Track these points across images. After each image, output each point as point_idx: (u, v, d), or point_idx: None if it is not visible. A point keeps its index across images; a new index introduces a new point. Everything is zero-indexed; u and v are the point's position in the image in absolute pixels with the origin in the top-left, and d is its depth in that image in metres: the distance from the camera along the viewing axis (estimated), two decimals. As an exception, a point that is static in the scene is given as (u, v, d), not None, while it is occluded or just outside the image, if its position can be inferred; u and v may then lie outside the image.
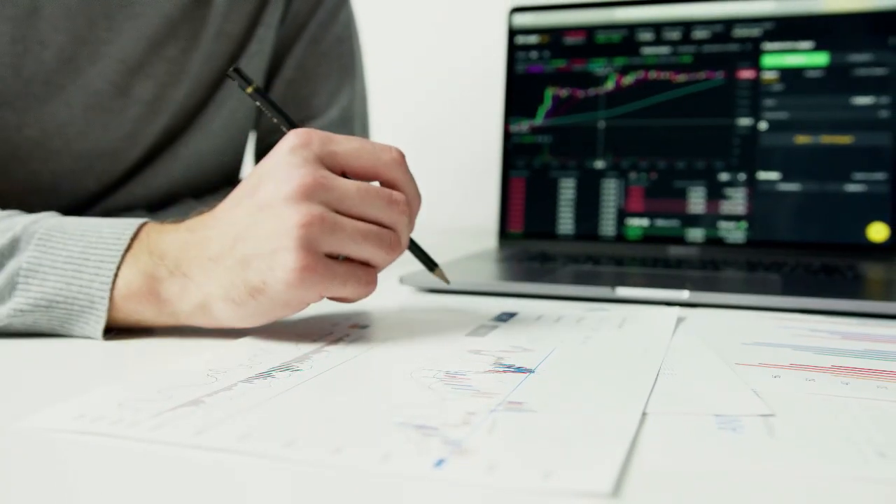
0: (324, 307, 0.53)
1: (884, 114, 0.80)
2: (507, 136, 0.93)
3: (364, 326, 0.47)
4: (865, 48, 0.81)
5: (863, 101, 0.81)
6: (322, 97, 0.75)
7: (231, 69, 0.46)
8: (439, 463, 0.25)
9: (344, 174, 0.43)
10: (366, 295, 0.43)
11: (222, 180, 0.75)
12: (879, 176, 0.80)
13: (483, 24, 1.19)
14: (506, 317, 0.50)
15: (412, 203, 0.45)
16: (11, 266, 0.42)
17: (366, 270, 0.43)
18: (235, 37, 0.69)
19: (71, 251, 0.42)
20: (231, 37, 0.68)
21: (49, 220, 0.44)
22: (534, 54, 0.92)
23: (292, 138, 0.42)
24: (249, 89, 0.46)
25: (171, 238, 0.42)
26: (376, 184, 0.44)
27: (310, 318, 0.49)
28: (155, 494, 0.24)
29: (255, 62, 0.70)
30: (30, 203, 0.63)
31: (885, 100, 0.80)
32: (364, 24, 0.88)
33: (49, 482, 0.25)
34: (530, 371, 0.37)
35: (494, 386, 0.34)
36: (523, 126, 0.92)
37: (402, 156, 0.44)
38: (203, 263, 0.41)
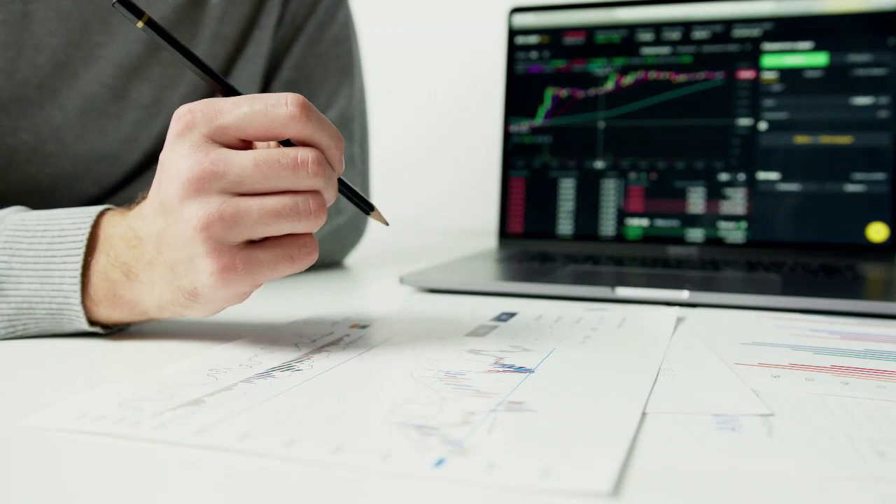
0: (324, 307, 0.53)
1: (883, 114, 0.80)
2: (507, 136, 0.93)
3: (364, 326, 0.47)
4: (865, 48, 0.81)
5: (862, 101, 0.81)
6: (320, 98, 0.75)
7: (114, 2, 0.40)
8: (439, 462, 0.25)
9: (242, 144, 0.39)
10: (310, 261, 0.40)
11: None
12: (879, 176, 0.80)
13: (483, 24, 1.19)
14: (506, 317, 0.51)
15: (328, 151, 0.39)
16: None
17: (295, 242, 0.39)
18: (232, 39, 0.69)
19: (37, 250, 0.42)
20: (227, 39, 0.68)
21: (12, 218, 0.44)
22: (534, 54, 0.92)
23: (175, 121, 0.38)
24: (140, 23, 0.41)
25: (120, 234, 0.42)
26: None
27: (310, 319, 0.49)
28: (156, 494, 0.24)
29: (252, 64, 0.70)
30: (29, 207, 0.63)
31: (884, 100, 0.80)
32: (364, 25, 0.88)
33: (50, 482, 0.25)
34: (530, 371, 0.37)
35: (494, 386, 0.34)
36: (523, 126, 0.92)
37: (300, 105, 0.38)
38: (144, 268, 0.41)
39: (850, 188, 0.81)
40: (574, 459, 0.25)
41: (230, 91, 0.41)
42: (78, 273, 0.41)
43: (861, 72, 0.81)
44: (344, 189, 0.43)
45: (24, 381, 0.36)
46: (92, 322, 0.43)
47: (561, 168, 0.90)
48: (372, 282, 0.73)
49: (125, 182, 0.68)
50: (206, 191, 0.37)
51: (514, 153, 0.92)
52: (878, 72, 0.81)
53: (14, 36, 0.57)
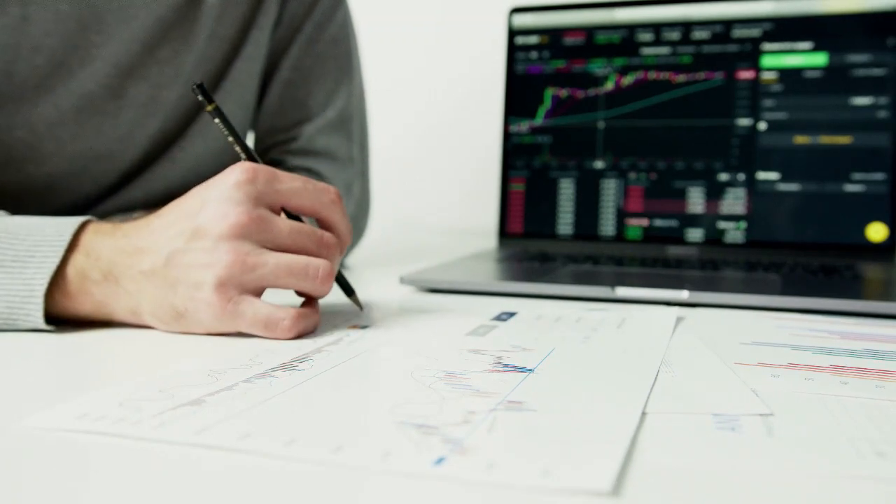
0: (323, 307, 0.53)
1: (882, 114, 0.80)
2: (507, 136, 0.93)
3: (364, 326, 0.47)
4: (864, 48, 0.81)
5: (862, 101, 0.81)
6: (319, 98, 0.75)
7: (194, 85, 0.47)
8: (439, 461, 0.25)
9: (284, 210, 0.45)
10: (283, 337, 0.43)
11: None
12: (878, 176, 0.80)
13: (483, 24, 1.19)
14: (506, 317, 0.51)
15: (343, 241, 0.48)
16: None
17: (279, 318, 0.43)
18: (229, 39, 0.69)
19: (17, 250, 0.44)
20: (225, 39, 0.68)
21: None
22: (534, 55, 0.92)
23: (239, 172, 0.43)
24: (210, 108, 0.47)
25: (108, 242, 0.44)
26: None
27: (310, 318, 0.49)
28: (156, 493, 0.24)
29: (250, 65, 0.70)
30: (26, 206, 0.63)
31: (883, 100, 0.80)
32: (364, 25, 0.88)
33: (51, 481, 0.25)
34: (530, 370, 0.37)
35: (494, 385, 0.34)
36: (523, 126, 0.92)
37: (339, 196, 0.47)
38: (134, 276, 0.43)
39: (850, 188, 0.81)
40: (574, 459, 0.26)
41: (252, 157, 0.48)
42: (51, 271, 0.43)
43: (861, 72, 0.81)
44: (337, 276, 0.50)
45: (24, 382, 0.36)
46: (49, 318, 0.44)
47: (561, 168, 0.90)
48: (372, 282, 0.73)
49: (123, 182, 0.68)
50: (245, 237, 0.42)
51: (514, 153, 0.92)
52: (877, 72, 0.81)
53: (13, 38, 0.57)
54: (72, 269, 0.44)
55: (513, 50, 0.93)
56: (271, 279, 0.43)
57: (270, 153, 0.74)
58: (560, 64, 0.91)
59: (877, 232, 0.80)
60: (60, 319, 0.45)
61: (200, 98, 0.47)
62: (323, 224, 0.47)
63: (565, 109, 0.91)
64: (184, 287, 0.42)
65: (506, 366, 0.38)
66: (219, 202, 0.43)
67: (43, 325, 0.44)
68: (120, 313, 0.45)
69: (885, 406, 0.32)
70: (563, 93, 0.91)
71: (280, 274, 0.43)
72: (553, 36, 0.92)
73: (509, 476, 0.24)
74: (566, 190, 0.90)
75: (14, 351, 0.41)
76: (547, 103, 0.92)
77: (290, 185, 0.45)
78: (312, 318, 0.45)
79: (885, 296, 0.57)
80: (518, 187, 0.92)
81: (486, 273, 0.68)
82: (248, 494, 0.24)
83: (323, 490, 0.24)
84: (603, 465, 0.25)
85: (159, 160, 0.68)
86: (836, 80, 0.82)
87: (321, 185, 0.46)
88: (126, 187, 0.68)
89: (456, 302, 0.57)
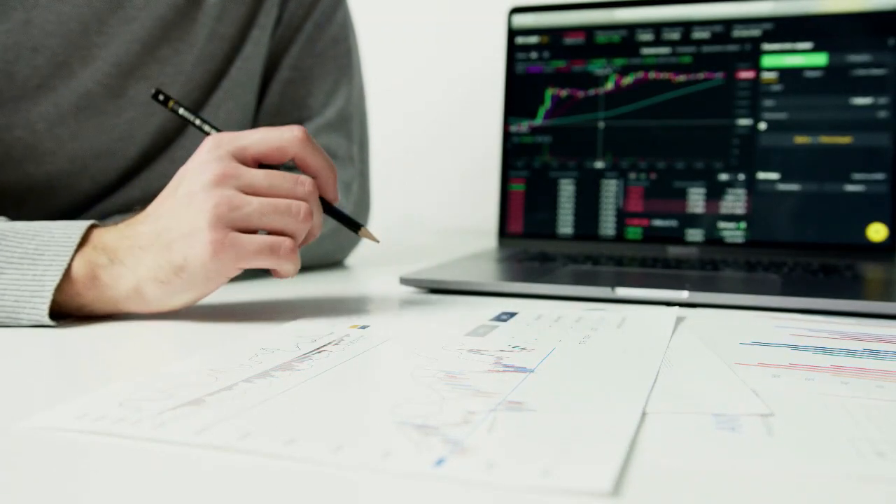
0: (323, 307, 0.53)
1: (883, 114, 0.80)
2: (507, 136, 0.93)
3: (364, 326, 0.47)
4: (864, 48, 0.81)
5: (862, 101, 0.81)
6: (319, 97, 0.75)
7: (153, 91, 0.52)
8: (439, 462, 0.25)
9: (258, 166, 0.48)
10: (287, 266, 0.47)
11: None
12: (878, 176, 0.80)
13: (483, 24, 1.19)
14: (506, 317, 0.51)
15: (322, 174, 0.50)
16: None
17: (278, 241, 0.47)
18: (229, 38, 0.69)
19: (25, 248, 0.46)
20: (225, 38, 0.68)
21: (1, 225, 0.47)
22: (534, 55, 0.92)
23: (208, 141, 0.47)
24: (170, 104, 0.52)
25: (113, 233, 0.47)
26: None
27: (310, 319, 0.49)
28: (156, 493, 0.24)
29: (250, 64, 0.71)
30: (27, 205, 0.63)
31: (883, 100, 0.80)
32: (364, 25, 0.88)
33: (51, 481, 0.25)
34: (530, 370, 0.37)
35: (494, 385, 0.34)
36: (523, 126, 0.92)
37: (305, 132, 0.49)
38: (135, 252, 0.46)
39: (850, 188, 0.81)
40: (574, 459, 0.26)
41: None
42: (63, 267, 0.45)
43: (861, 72, 0.81)
44: (333, 211, 0.52)
45: (25, 382, 0.36)
46: (51, 314, 0.45)
47: (561, 168, 0.90)
48: (372, 282, 0.73)
49: (123, 181, 0.68)
50: (224, 185, 0.46)
51: (514, 153, 0.92)
52: (877, 72, 0.81)
53: (14, 39, 0.57)
54: (79, 263, 0.46)
55: (513, 50, 0.93)
56: (257, 217, 0.46)
57: None
58: (560, 64, 0.91)
59: (877, 232, 0.80)
60: (62, 315, 0.46)
61: (161, 99, 0.51)
62: (299, 164, 0.49)
63: (565, 109, 0.91)
64: (178, 242, 0.45)
65: (506, 366, 0.38)
66: (194, 170, 0.46)
67: (46, 320, 0.45)
68: (123, 295, 0.46)
69: (885, 406, 0.32)
70: (563, 93, 0.91)
71: (265, 211, 0.46)
72: (553, 36, 0.92)
73: (509, 476, 0.24)
74: (566, 190, 0.90)
75: (14, 351, 0.41)
76: (547, 103, 0.92)
77: (253, 136, 0.48)
78: (296, 249, 0.48)
79: (885, 296, 0.57)
80: (518, 187, 0.92)
81: (486, 273, 0.68)
82: (248, 494, 0.24)
83: (323, 490, 0.24)
84: (603, 466, 0.25)
85: (158, 159, 0.68)
86: (836, 80, 0.82)
87: (283, 127, 0.48)
88: (125, 186, 0.68)
89: (456, 302, 0.57)
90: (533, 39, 0.93)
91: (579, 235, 0.89)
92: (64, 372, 0.38)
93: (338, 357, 0.39)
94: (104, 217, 0.66)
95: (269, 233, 0.47)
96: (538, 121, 0.92)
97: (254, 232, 0.46)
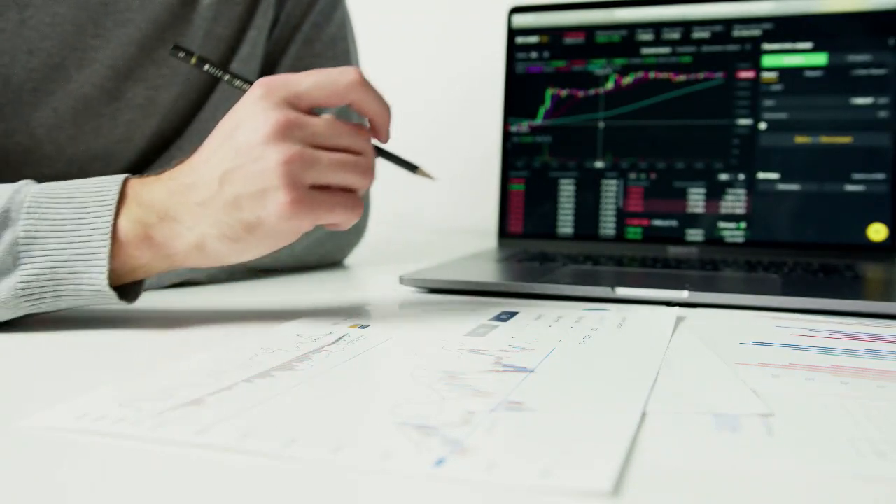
0: (323, 307, 0.53)
1: (883, 114, 0.80)
2: (507, 136, 0.93)
3: (364, 326, 0.47)
4: (864, 48, 0.81)
5: (862, 101, 0.81)
6: None
7: (172, 48, 0.49)
8: (439, 462, 0.25)
9: (311, 110, 0.46)
10: (355, 219, 0.47)
11: None
12: (879, 176, 0.80)
13: (483, 24, 1.19)
14: (506, 317, 0.51)
15: (379, 118, 0.48)
16: (7, 237, 0.43)
17: (348, 195, 0.46)
18: (226, 39, 0.69)
19: (64, 214, 0.44)
20: (221, 39, 0.68)
21: (30, 188, 0.45)
22: (534, 54, 0.92)
23: (258, 88, 0.44)
24: (193, 60, 0.50)
25: (156, 188, 0.45)
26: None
27: (310, 319, 0.49)
28: (156, 493, 0.24)
29: (247, 65, 0.70)
30: None
31: (884, 100, 0.80)
32: (363, 25, 0.88)
33: (51, 481, 0.25)
34: (530, 370, 0.37)
35: (494, 385, 0.34)
36: (523, 126, 0.92)
37: (360, 75, 0.46)
38: (191, 208, 0.44)
39: (850, 188, 0.81)
40: (574, 459, 0.26)
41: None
42: (108, 230, 0.43)
43: (861, 72, 0.81)
44: (387, 154, 0.52)
45: (24, 381, 0.36)
46: (110, 282, 0.43)
47: (561, 168, 0.90)
48: (372, 282, 0.73)
49: None
50: (289, 138, 0.43)
51: (514, 153, 0.92)
52: (878, 72, 0.81)
53: (9, 42, 0.57)
54: (125, 221, 0.44)
55: (513, 50, 0.93)
56: (329, 174, 0.44)
57: None
58: (560, 64, 0.91)
59: (877, 232, 0.80)
60: (118, 288, 0.45)
61: (182, 56, 0.49)
62: (357, 108, 0.47)
63: (565, 109, 0.91)
64: (248, 200, 0.43)
65: (506, 366, 0.38)
66: (251, 116, 0.43)
67: (106, 289, 0.43)
68: (182, 252, 0.44)
69: (885, 406, 0.32)
70: (563, 93, 0.91)
71: (335, 167, 0.44)
72: (553, 36, 0.92)
73: (509, 476, 0.24)
74: (566, 190, 0.90)
75: (14, 351, 0.41)
76: (547, 103, 0.91)
77: (308, 81, 0.45)
78: (361, 202, 0.47)
79: (885, 296, 0.57)
80: (518, 187, 0.92)
81: (486, 273, 0.68)
82: (248, 494, 0.24)
83: (323, 490, 0.24)
84: (603, 466, 0.25)
85: (156, 161, 0.68)
86: (836, 80, 0.82)
87: (337, 70, 0.46)
88: None
89: (456, 302, 0.57)
90: (533, 39, 0.93)
91: (579, 235, 0.89)
92: (64, 372, 0.38)
93: (338, 357, 0.39)
94: None
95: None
96: (538, 121, 0.92)
97: (319, 188, 0.45)
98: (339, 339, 0.44)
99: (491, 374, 0.36)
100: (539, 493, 0.23)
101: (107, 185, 0.45)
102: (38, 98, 0.60)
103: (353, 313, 0.51)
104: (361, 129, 0.47)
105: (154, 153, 0.68)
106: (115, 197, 0.44)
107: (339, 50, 0.76)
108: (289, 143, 0.43)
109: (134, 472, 0.25)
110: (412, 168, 0.53)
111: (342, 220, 0.46)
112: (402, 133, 1.32)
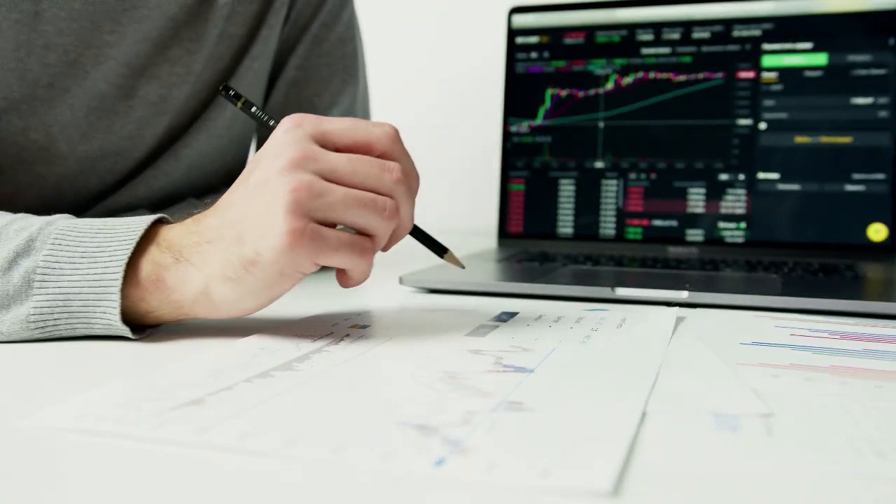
0: (324, 307, 0.53)
1: (883, 114, 0.80)
2: (507, 136, 0.93)
3: (364, 326, 0.47)
4: (865, 48, 0.81)
5: (862, 101, 0.81)
6: (324, 98, 0.75)
7: (221, 88, 0.48)
8: (439, 462, 0.25)
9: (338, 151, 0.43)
10: (363, 268, 0.43)
11: (224, 180, 0.75)
12: (879, 176, 0.80)
13: (483, 24, 1.19)
14: (506, 317, 0.51)
15: (409, 176, 0.44)
16: (27, 265, 0.42)
17: (361, 240, 0.42)
18: (239, 38, 0.69)
19: (86, 247, 0.42)
20: (235, 38, 0.68)
21: (63, 222, 0.44)
22: (534, 55, 0.92)
23: (285, 122, 0.43)
24: (240, 104, 0.48)
25: (177, 228, 0.43)
26: None
27: (310, 318, 0.49)
28: (156, 493, 0.24)
29: (258, 63, 0.70)
30: (34, 204, 0.63)
31: (884, 100, 0.80)
32: (364, 25, 0.88)
33: (51, 481, 0.25)
34: (530, 371, 0.37)
35: (494, 386, 0.34)
36: (523, 126, 0.92)
37: (396, 131, 0.44)
38: (201, 247, 0.42)
39: (850, 188, 0.81)
40: (574, 459, 0.26)
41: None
42: (123, 264, 0.41)
43: (861, 72, 0.81)
44: (416, 230, 0.48)
45: (24, 381, 0.36)
46: (123, 318, 0.42)
47: (561, 168, 0.90)
48: (372, 282, 0.73)
49: (128, 178, 0.68)
50: (302, 168, 0.40)
51: (514, 153, 0.92)
52: (878, 72, 0.81)
53: (25, 35, 0.57)
54: (145, 262, 0.42)
55: (513, 50, 0.93)
56: (340, 210, 0.40)
57: None
58: (560, 64, 0.91)
59: (877, 232, 0.80)
60: (131, 324, 0.43)
61: (227, 95, 0.48)
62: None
63: (565, 109, 0.91)
64: (251, 233, 0.40)
65: (506, 366, 0.38)
66: (270, 153, 0.41)
67: (119, 325, 0.41)
68: (188, 300, 0.42)
69: (884, 406, 0.32)
70: (563, 93, 0.91)
71: (349, 203, 0.41)
72: (553, 36, 0.92)
73: (509, 477, 0.24)
74: (566, 190, 0.90)
75: (14, 350, 0.41)
76: (547, 103, 0.91)
77: (339, 123, 0.43)
78: (372, 256, 0.43)
79: (885, 296, 0.57)
80: (518, 187, 0.92)
81: (486, 273, 0.68)
82: (248, 494, 0.24)
83: (323, 490, 0.24)
84: (603, 466, 0.25)
85: (164, 156, 0.68)
86: (836, 80, 0.82)
87: (374, 122, 0.44)
88: (129, 184, 0.67)
89: (456, 302, 0.57)
90: (533, 39, 0.93)
91: (579, 235, 0.89)
92: (64, 372, 0.38)
93: (338, 357, 0.39)
94: (109, 215, 0.66)
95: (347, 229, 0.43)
96: (538, 121, 0.92)
97: (332, 226, 0.42)
98: (340, 339, 0.44)
99: (491, 375, 0.36)
100: (539, 494, 0.23)
101: (134, 224, 0.43)
102: (53, 94, 0.60)
103: (354, 313, 0.51)
104: (392, 168, 0.42)
105: (162, 149, 0.68)
106: (139, 235, 0.42)
107: (347, 50, 0.76)
108: (300, 173, 0.40)
109: (134, 472, 0.25)
110: (441, 251, 0.49)
111: (350, 264, 0.42)
112: (402, 133, 1.32)
